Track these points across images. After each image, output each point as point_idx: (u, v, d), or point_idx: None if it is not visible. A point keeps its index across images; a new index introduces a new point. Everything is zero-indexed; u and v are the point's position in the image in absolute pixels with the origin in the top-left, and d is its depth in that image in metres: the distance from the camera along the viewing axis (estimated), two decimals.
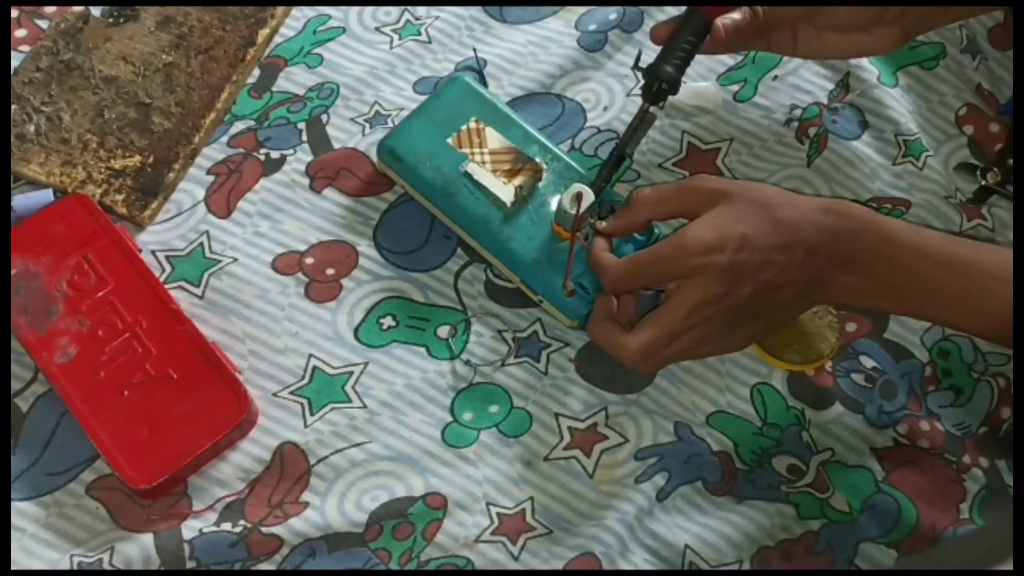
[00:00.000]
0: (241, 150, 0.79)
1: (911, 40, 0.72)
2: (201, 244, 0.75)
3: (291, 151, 0.79)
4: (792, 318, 0.68)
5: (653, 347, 0.64)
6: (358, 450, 0.70)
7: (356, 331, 0.73)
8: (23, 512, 0.67)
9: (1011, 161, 0.78)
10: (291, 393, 0.71)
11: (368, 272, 0.75)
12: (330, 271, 0.75)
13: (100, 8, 0.83)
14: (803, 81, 0.82)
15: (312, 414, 0.71)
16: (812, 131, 0.80)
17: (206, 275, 0.74)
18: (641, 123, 0.71)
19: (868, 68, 0.82)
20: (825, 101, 0.81)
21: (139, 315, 0.71)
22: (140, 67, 0.80)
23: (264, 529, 0.67)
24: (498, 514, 0.68)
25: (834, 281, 0.64)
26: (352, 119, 0.80)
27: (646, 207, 0.67)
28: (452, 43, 0.84)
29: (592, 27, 0.84)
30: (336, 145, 0.79)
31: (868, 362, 0.73)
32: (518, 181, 0.74)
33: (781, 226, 0.63)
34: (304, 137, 0.79)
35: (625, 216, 0.69)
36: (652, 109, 0.71)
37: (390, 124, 0.79)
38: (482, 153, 0.75)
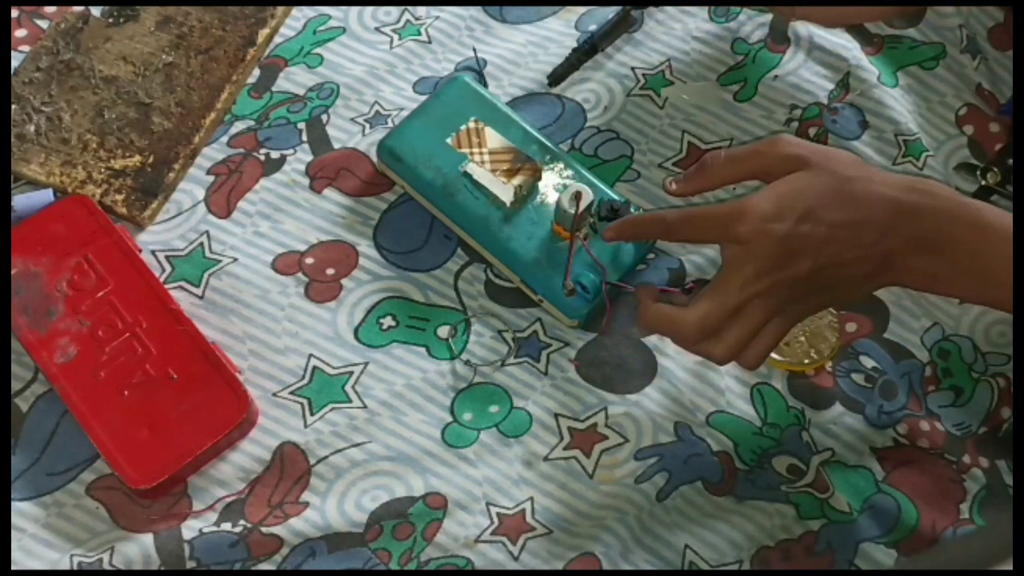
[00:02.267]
0: (241, 150, 0.79)
1: (906, 11, 0.71)
2: (201, 244, 0.75)
3: (291, 151, 0.79)
4: (860, 298, 0.64)
5: (712, 319, 0.61)
6: (358, 450, 0.70)
7: (356, 331, 0.73)
8: (23, 512, 0.67)
9: (1011, 161, 0.77)
10: (291, 393, 0.71)
11: (368, 272, 0.75)
12: (330, 271, 0.75)
13: (100, 8, 0.83)
14: (803, 81, 0.82)
15: (312, 414, 0.71)
16: (812, 131, 0.80)
17: (206, 275, 0.74)
18: (620, 23, 0.78)
19: (868, 68, 0.82)
20: (825, 101, 0.81)
21: (139, 315, 0.71)
22: (140, 67, 0.80)
23: (264, 529, 0.67)
24: (498, 514, 0.68)
25: (909, 263, 0.60)
26: (352, 119, 0.80)
27: (719, 169, 0.64)
28: (452, 43, 0.84)
29: (592, 27, 0.84)
30: (336, 145, 0.79)
31: (868, 362, 0.73)
32: (518, 181, 0.74)
33: (853, 202, 0.60)
34: (304, 137, 0.79)
35: (696, 179, 0.65)
36: (634, 13, 0.79)
37: (390, 124, 0.79)
38: (482, 153, 0.75)
